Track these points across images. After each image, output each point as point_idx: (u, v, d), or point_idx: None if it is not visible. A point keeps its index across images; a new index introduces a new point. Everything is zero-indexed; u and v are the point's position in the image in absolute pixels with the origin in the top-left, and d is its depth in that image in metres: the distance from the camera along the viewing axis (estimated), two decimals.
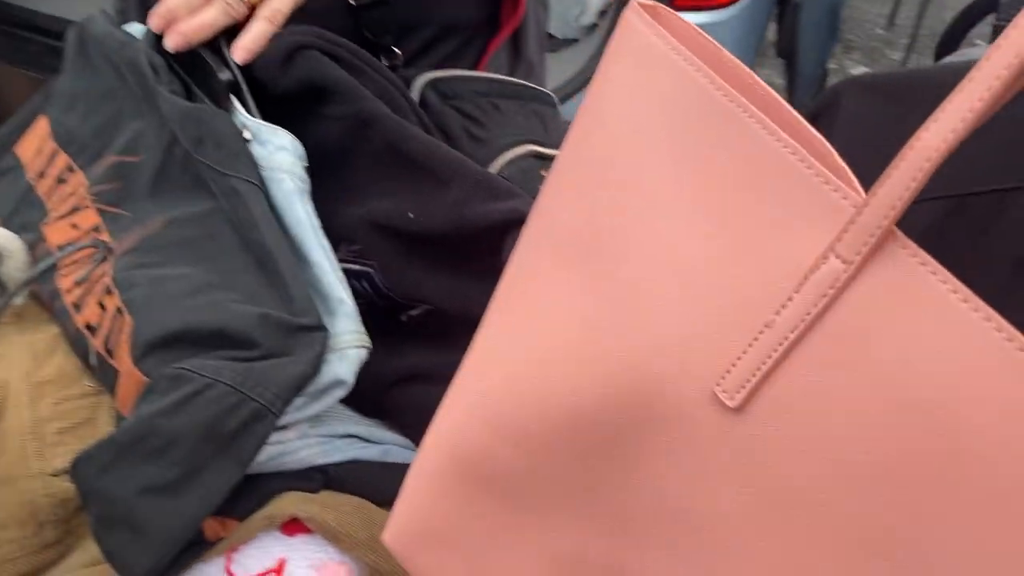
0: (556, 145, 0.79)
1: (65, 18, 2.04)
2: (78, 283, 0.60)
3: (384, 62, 0.75)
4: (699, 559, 0.34)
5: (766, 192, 0.32)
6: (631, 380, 0.34)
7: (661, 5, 0.38)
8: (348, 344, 0.54)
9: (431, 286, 0.60)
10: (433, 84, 0.74)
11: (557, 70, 1.80)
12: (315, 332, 0.51)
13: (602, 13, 1.89)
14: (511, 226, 0.54)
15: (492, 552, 0.42)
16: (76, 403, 0.59)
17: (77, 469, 0.49)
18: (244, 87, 0.59)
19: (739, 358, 0.32)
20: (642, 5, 0.37)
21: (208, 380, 0.48)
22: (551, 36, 1.96)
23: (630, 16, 0.37)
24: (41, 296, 0.65)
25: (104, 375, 0.58)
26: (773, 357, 0.31)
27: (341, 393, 0.54)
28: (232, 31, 0.61)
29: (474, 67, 0.87)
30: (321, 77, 0.59)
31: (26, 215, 0.72)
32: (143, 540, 0.47)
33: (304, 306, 0.51)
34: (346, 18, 0.72)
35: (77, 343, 0.60)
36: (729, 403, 0.32)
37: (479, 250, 0.56)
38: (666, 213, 0.34)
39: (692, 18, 1.79)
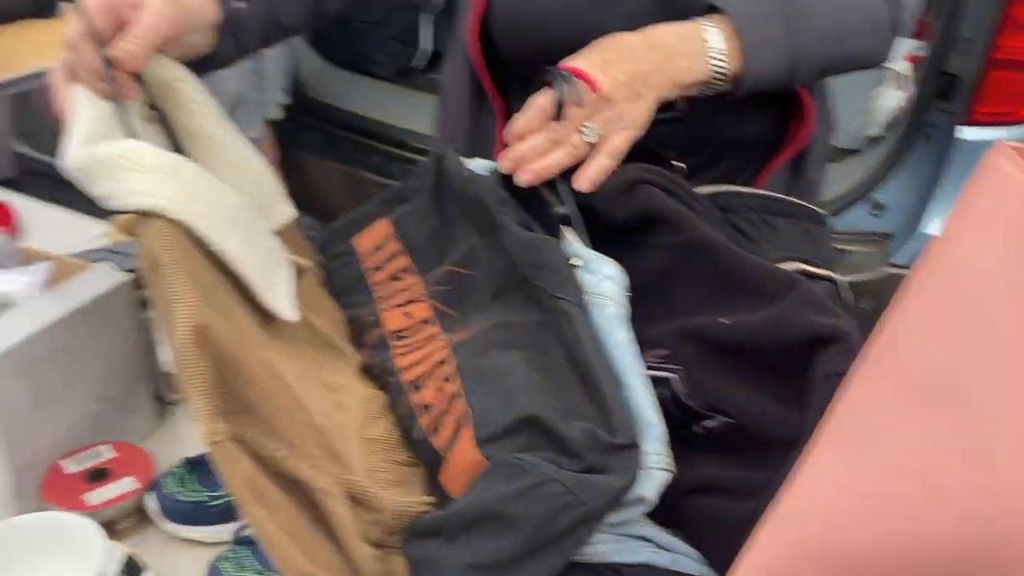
0: (824, 263, 0.79)
1: (373, 118, 2.30)
2: (414, 364, 0.68)
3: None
4: None
5: None
6: (977, 533, 0.33)
7: None
8: (655, 465, 0.56)
9: (731, 396, 0.60)
10: (710, 197, 0.76)
11: (835, 180, 1.77)
12: (631, 450, 0.54)
13: (890, 126, 1.84)
14: (828, 342, 0.54)
15: None
16: (399, 467, 0.65)
17: (410, 538, 0.54)
18: (578, 219, 0.65)
19: None
20: (1013, 148, 0.37)
21: (547, 476, 0.52)
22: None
23: (997, 158, 0.37)
24: (373, 368, 0.73)
25: (423, 451, 0.63)
26: None
27: (643, 509, 0.57)
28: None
29: (753, 182, 0.88)
30: (659, 209, 0.64)
31: (354, 298, 0.82)
32: None
33: (622, 424, 0.55)
34: None
35: (405, 419, 0.66)
36: None
37: (787, 365, 0.57)
38: None
39: (996, 134, 1.69)
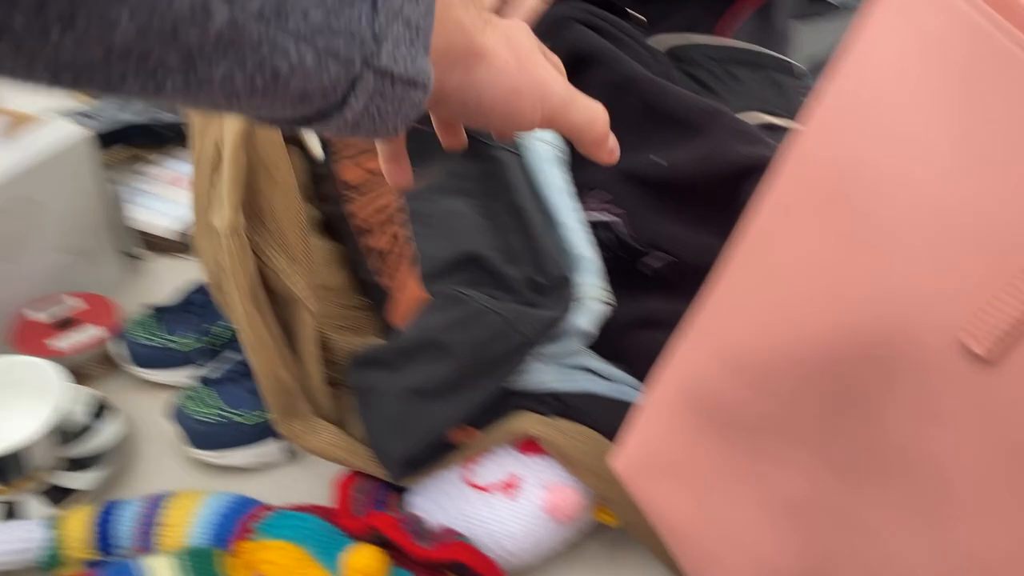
0: (790, 114, 0.78)
1: None
2: (364, 209, 0.69)
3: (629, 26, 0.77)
4: (934, 511, 0.34)
5: None
6: (875, 324, 0.34)
7: None
8: (590, 296, 0.57)
9: (672, 234, 0.61)
10: (667, 50, 0.75)
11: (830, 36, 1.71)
12: (563, 285, 0.56)
13: None
14: (752, 172, 0.54)
15: (720, 489, 0.43)
16: (353, 312, 0.67)
17: (355, 367, 0.56)
18: None
19: (991, 304, 0.31)
20: None
21: (484, 308, 0.54)
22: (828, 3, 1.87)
23: None
24: (329, 219, 0.74)
25: (374, 291, 0.65)
26: None
27: (581, 339, 0.59)
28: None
29: (715, 31, 0.86)
30: (584, 46, 0.63)
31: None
32: (400, 432, 0.53)
33: (552, 264, 0.56)
34: None
35: (354, 262, 0.68)
36: (977, 350, 0.31)
37: (721, 198, 0.57)
38: (927, 156, 0.34)
39: None
